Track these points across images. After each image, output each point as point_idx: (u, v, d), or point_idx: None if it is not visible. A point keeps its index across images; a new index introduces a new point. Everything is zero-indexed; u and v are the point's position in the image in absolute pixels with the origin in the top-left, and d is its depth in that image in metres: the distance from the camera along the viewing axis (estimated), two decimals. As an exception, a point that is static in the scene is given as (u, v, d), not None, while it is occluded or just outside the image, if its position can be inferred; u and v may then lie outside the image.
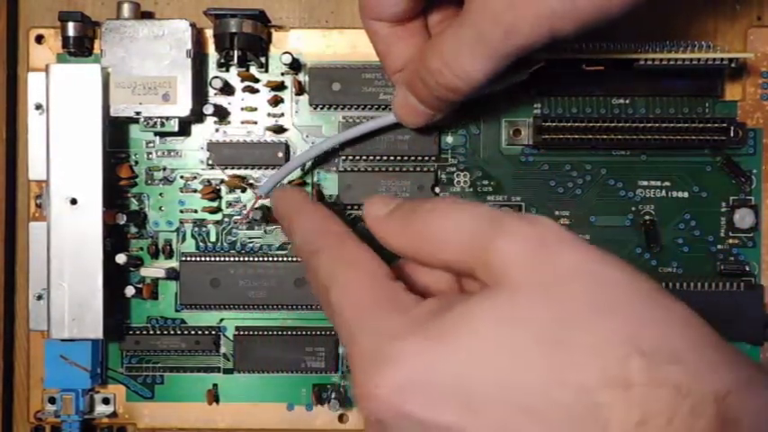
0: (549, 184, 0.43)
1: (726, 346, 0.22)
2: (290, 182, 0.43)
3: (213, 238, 0.43)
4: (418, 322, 0.23)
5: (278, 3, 0.44)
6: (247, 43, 0.41)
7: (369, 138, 0.42)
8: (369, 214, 0.28)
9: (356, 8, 0.36)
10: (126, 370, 0.44)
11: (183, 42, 0.40)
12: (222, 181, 0.43)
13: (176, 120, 0.41)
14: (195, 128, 0.43)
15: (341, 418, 0.44)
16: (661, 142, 0.41)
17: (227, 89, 0.42)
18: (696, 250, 0.43)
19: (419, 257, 0.26)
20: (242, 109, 0.43)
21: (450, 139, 0.43)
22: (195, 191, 0.43)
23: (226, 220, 0.43)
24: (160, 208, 0.43)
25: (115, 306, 0.43)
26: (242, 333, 0.43)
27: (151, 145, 0.43)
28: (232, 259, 0.42)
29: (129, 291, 0.42)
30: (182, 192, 0.43)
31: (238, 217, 0.43)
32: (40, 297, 0.41)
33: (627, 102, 0.42)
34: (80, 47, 0.42)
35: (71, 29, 0.42)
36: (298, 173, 0.43)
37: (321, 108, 0.43)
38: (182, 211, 0.43)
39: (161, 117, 0.41)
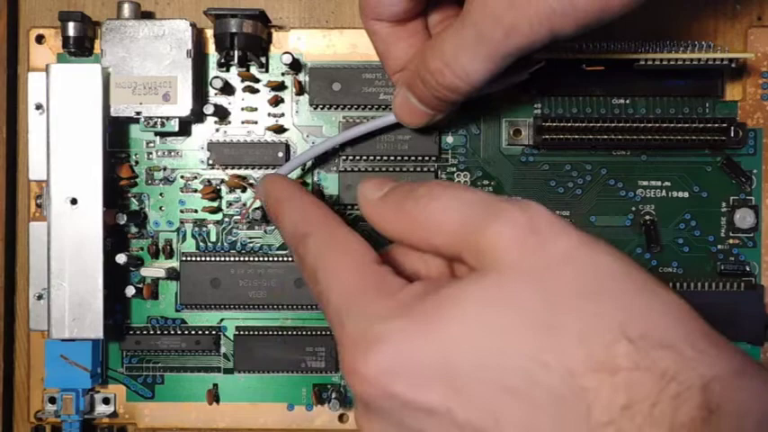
0: (549, 184, 0.43)
1: (715, 336, 0.22)
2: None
3: (213, 238, 0.43)
4: (404, 305, 0.23)
5: (278, 3, 0.44)
6: (247, 43, 0.41)
7: (369, 138, 0.42)
8: (362, 197, 0.28)
9: (356, 8, 0.36)
10: (126, 370, 0.44)
11: (183, 42, 0.40)
12: (222, 181, 0.43)
13: (176, 120, 0.41)
14: (195, 128, 0.43)
15: (341, 418, 0.44)
16: (661, 142, 0.41)
17: (227, 89, 0.42)
18: (696, 250, 0.43)
19: (410, 241, 0.26)
20: (242, 109, 0.43)
21: (450, 139, 0.43)
22: (195, 191, 0.43)
23: (226, 220, 0.43)
24: (160, 208, 0.43)
25: (115, 306, 0.43)
26: (242, 333, 0.43)
27: (151, 145, 0.43)
28: (232, 259, 0.42)
29: (130, 291, 0.42)
30: (182, 192, 0.43)
31: (238, 217, 0.43)
32: (40, 297, 0.41)
33: (627, 102, 0.42)
34: (80, 47, 0.42)
35: (71, 29, 0.42)
36: (298, 173, 0.43)
37: (321, 108, 0.43)
38: (182, 211, 0.43)
39: (161, 117, 0.41)
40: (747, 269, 0.43)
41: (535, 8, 0.29)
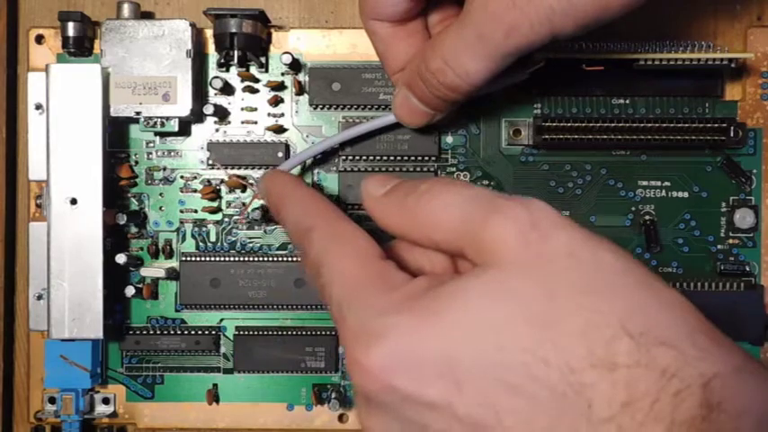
0: (549, 184, 0.43)
1: (716, 334, 0.22)
2: (290, 182, 0.43)
3: (213, 238, 0.43)
4: (407, 299, 0.23)
5: (278, 3, 0.44)
6: (247, 43, 0.41)
7: (368, 137, 0.42)
8: (366, 193, 0.28)
9: (356, 8, 0.36)
10: (126, 370, 0.44)
11: (183, 42, 0.40)
12: (222, 181, 0.43)
13: (176, 120, 0.41)
14: (195, 128, 0.43)
15: (341, 418, 0.44)
16: (661, 142, 0.41)
17: (227, 89, 0.42)
18: (696, 250, 0.43)
19: (413, 237, 0.26)
20: (242, 109, 0.43)
21: (450, 139, 0.43)
22: (195, 191, 0.43)
23: (226, 220, 0.43)
24: (160, 208, 0.43)
25: (115, 306, 0.43)
26: (242, 333, 0.43)
27: (151, 145, 0.43)
28: (232, 259, 0.42)
29: (129, 291, 0.42)
30: (182, 192, 0.43)
31: (238, 217, 0.43)
32: (40, 297, 0.41)
33: (627, 102, 0.42)
34: (80, 47, 0.42)
35: (71, 29, 0.42)
36: (297, 172, 0.43)
37: (321, 108, 0.43)
38: (182, 211, 0.43)
39: (161, 117, 0.41)
40: (747, 269, 0.43)
41: (535, 8, 0.29)
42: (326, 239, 0.27)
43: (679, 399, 0.20)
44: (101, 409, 0.43)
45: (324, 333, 0.43)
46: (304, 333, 0.43)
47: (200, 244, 0.43)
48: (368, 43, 0.37)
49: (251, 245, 0.43)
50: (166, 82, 0.40)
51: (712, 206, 0.43)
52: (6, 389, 0.44)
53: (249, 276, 0.42)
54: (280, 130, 0.43)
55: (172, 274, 0.43)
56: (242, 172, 0.43)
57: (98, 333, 0.40)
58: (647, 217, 0.43)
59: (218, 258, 0.42)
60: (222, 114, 0.43)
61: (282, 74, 0.43)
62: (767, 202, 0.43)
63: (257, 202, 0.42)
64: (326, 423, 0.44)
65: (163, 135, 0.43)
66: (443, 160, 0.43)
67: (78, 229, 0.39)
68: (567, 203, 0.43)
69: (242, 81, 0.43)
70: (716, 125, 0.41)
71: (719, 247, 0.43)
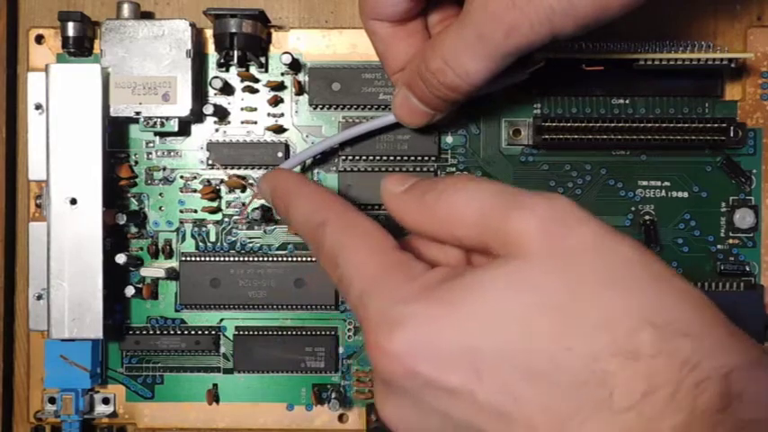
0: (549, 184, 0.43)
1: (733, 328, 0.22)
2: (289, 182, 0.43)
3: (213, 238, 0.43)
4: (429, 287, 0.24)
5: (278, 3, 0.44)
6: (247, 43, 0.41)
7: (369, 138, 0.42)
8: (386, 191, 0.28)
9: (356, 8, 0.36)
10: (126, 370, 0.44)
11: (182, 42, 0.40)
12: (222, 181, 0.43)
13: (176, 120, 0.41)
14: (195, 128, 0.43)
15: (341, 418, 0.44)
16: (661, 142, 0.41)
17: (227, 89, 0.42)
18: (696, 250, 0.43)
19: (433, 232, 0.26)
20: (242, 109, 0.43)
21: (450, 139, 0.43)
22: (195, 191, 0.43)
23: (226, 220, 0.43)
24: (160, 208, 0.43)
25: (115, 306, 0.43)
26: (242, 333, 0.43)
27: (151, 145, 0.43)
28: (232, 259, 0.42)
29: (129, 291, 0.42)
30: (182, 192, 0.43)
31: (238, 217, 0.43)
32: (40, 297, 0.41)
33: (627, 102, 0.42)
34: (80, 47, 0.42)
35: (71, 29, 0.42)
36: (297, 171, 0.43)
37: (321, 108, 0.43)
38: (182, 211, 0.43)
39: (161, 117, 0.41)
40: (747, 269, 0.43)
41: (535, 8, 0.29)
42: (341, 232, 0.27)
43: (699, 389, 0.20)
44: (101, 409, 0.43)
45: (324, 333, 0.43)
46: (304, 333, 0.43)
47: (200, 244, 0.43)
48: (368, 43, 0.37)
49: (251, 245, 0.43)
50: (166, 82, 0.40)
51: (712, 206, 0.43)
52: (6, 389, 0.44)
53: (249, 276, 0.42)
54: (280, 130, 0.43)
55: (172, 274, 0.43)
56: (242, 172, 0.43)
57: (98, 333, 0.40)
58: (646, 217, 0.43)
59: (218, 258, 0.42)
60: (222, 114, 0.43)
61: (282, 74, 0.43)
62: (767, 202, 0.43)
63: (257, 202, 0.42)
64: (326, 423, 0.44)
65: (163, 135, 0.43)
66: (443, 160, 0.43)
67: (78, 229, 0.39)
68: (566, 203, 0.43)
69: (242, 81, 0.43)
70: (716, 125, 0.41)
71: (719, 247, 0.43)
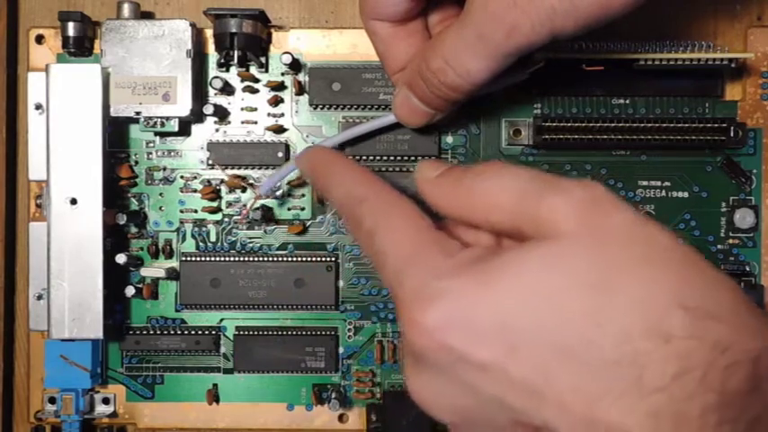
0: (549, 184, 0.43)
1: (760, 313, 0.22)
2: (289, 182, 0.43)
3: (213, 238, 0.43)
4: (465, 264, 0.24)
5: (278, 3, 0.44)
6: (247, 43, 0.41)
7: (369, 138, 0.42)
8: (420, 176, 0.29)
9: (356, 8, 0.37)
10: (126, 370, 0.44)
11: (183, 42, 0.40)
12: (222, 181, 0.43)
13: (176, 120, 0.41)
14: (195, 128, 0.43)
15: (341, 418, 0.44)
16: (661, 142, 0.41)
17: (227, 89, 0.42)
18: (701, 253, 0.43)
19: (468, 216, 0.27)
20: (242, 109, 0.43)
21: (450, 139, 0.43)
22: (195, 191, 0.43)
23: (226, 220, 0.43)
24: (160, 208, 0.43)
25: (115, 306, 0.43)
26: (242, 333, 0.43)
27: (151, 145, 0.43)
28: (232, 259, 0.42)
29: (129, 291, 0.42)
30: (182, 192, 0.43)
31: (238, 217, 0.43)
32: (40, 297, 0.41)
33: (627, 102, 0.42)
34: (80, 47, 0.42)
35: (71, 29, 0.42)
36: (297, 172, 0.43)
37: (321, 108, 0.43)
38: (182, 211, 0.43)
39: (161, 117, 0.41)
40: (747, 269, 0.43)
41: (536, 8, 0.29)
42: (380, 209, 0.28)
43: (729, 371, 0.21)
44: (101, 409, 0.43)
45: (324, 333, 0.43)
46: (304, 333, 0.43)
47: (200, 244, 0.43)
48: (368, 43, 0.37)
49: (251, 245, 0.43)
50: (166, 82, 0.40)
51: (712, 206, 0.43)
52: (6, 389, 0.44)
53: (249, 276, 0.42)
54: (280, 130, 0.43)
55: (172, 274, 0.43)
56: (242, 172, 0.43)
57: (98, 333, 0.40)
58: (647, 217, 0.43)
59: (218, 258, 0.42)
60: (222, 114, 0.43)
61: (282, 74, 0.43)
62: (767, 202, 0.43)
63: (258, 203, 0.42)
64: (326, 423, 0.44)
65: (163, 135, 0.43)
66: (443, 160, 0.43)
67: (78, 229, 0.39)
68: (567, 203, 0.43)
69: (242, 81, 0.43)
70: (716, 125, 0.41)
71: (719, 247, 0.43)
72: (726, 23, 0.43)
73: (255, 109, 0.43)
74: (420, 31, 0.36)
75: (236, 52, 0.41)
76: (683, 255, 0.23)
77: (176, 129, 0.41)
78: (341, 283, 0.43)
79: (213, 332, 0.43)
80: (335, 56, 0.43)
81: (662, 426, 0.21)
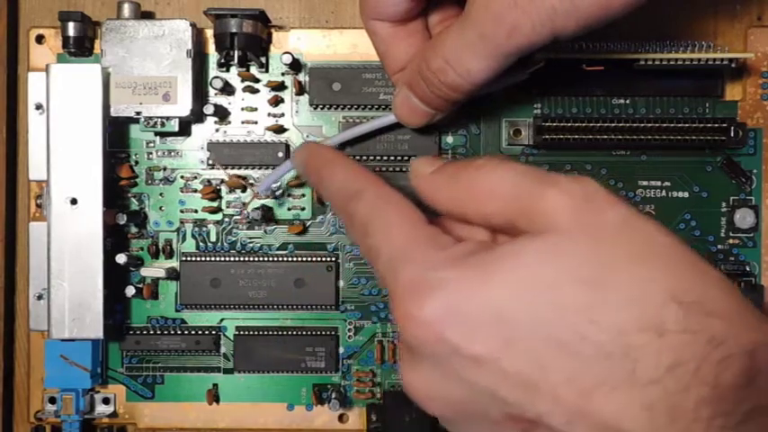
0: (549, 184, 0.43)
1: (755, 310, 0.22)
2: (289, 182, 0.43)
3: (213, 238, 0.43)
4: (459, 257, 0.24)
5: (278, 3, 0.44)
6: (247, 43, 0.41)
7: (369, 138, 0.42)
8: (416, 172, 0.29)
9: (356, 8, 0.37)
10: (126, 370, 0.44)
11: (183, 42, 0.40)
12: (222, 181, 0.43)
13: (176, 120, 0.41)
14: (195, 128, 0.43)
15: (341, 418, 0.44)
16: (661, 142, 0.41)
17: (227, 89, 0.42)
18: (696, 250, 0.43)
19: (463, 211, 0.27)
20: (242, 109, 0.43)
21: (450, 139, 0.43)
22: (195, 191, 0.43)
23: (226, 220, 0.43)
24: (160, 208, 0.43)
25: (115, 306, 0.43)
26: (242, 333, 0.43)
27: (151, 145, 0.43)
28: (232, 259, 0.42)
29: (130, 291, 0.42)
30: (182, 192, 0.43)
31: (238, 217, 0.43)
32: (40, 297, 0.41)
33: (627, 102, 0.42)
34: (80, 47, 0.42)
35: (71, 29, 0.42)
36: (295, 173, 0.43)
37: (321, 108, 0.43)
38: (182, 211, 0.43)
39: (161, 117, 0.41)
40: (747, 269, 0.43)
41: (537, 8, 0.29)
42: (375, 202, 0.28)
43: (723, 366, 0.21)
44: (101, 409, 0.43)
45: (324, 333, 0.43)
46: (304, 333, 0.43)
47: (201, 244, 0.43)
48: (368, 43, 0.37)
49: (251, 245, 0.43)
50: (166, 82, 0.40)
51: (712, 206, 0.43)
52: (6, 389, 0.44)
53: (249, 276, 0.42)
54: (280, 130, 0.43)
55: (172, 274, 0.43)
56: (242, 172, 0.43)
57: (98, 333, 0.40)
58: (647, 217, 0.43)
59: (218, 258, 0.42)
60: (222, 114, 0.43)
61: (283, 74, 0.43)
62: (767, 202, 0.43)
63: (257, 202, 0.42)
64: (326, 423, 0.44)
65: (163, 135, 0.43)
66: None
67: (78, 229, 0.39)
68: (567, 203, 0.43)
69: (242, 81, 0.43)
70: (716, 125, 0.41)
71: (719, 247, 0.43)
72: (726, 23, 0.43)
73: (256, 109, 0.43)
74: (420, 31, 0.36)
75: (236, 52, 0.41)
76: (677, 250, 0.23)
77: (176, 129, 0.41)
78: (341, 283, 0.43)
79: (213, 332, 0.43)
80: (336, 56, 0.43)
81: (656, 418, 0.21)
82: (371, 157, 0.42)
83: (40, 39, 0.43)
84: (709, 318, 0.21)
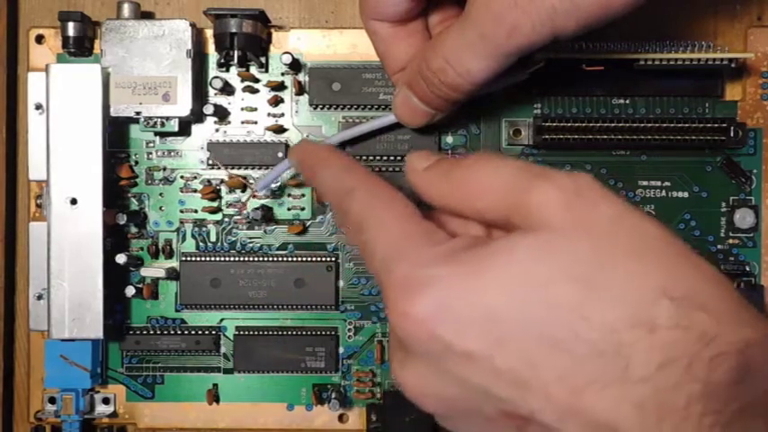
0: (549, 184, 0.43)
1: (748, 306, 0.22)
2: (288, 182, 0.43)
3: (213, 238, 0.43)
4: (452, 253, 0.24)
5: (278, 3, 0.44)
6: (247, 43, 0.41)
7: (369, 138, 0.42)
8: (410, 167, 0.29)
9: (356, 8, 0.37)
10: (126, 370, 0.44)
11: (183, 42, 0.40)
12: (222, 181, 0.43)
13: (176, 120, 0.41)
14: (195, 128, 0.43)
15: (341, 419, 0.44)
16: (661, 142, 0.41)
17: (227, 89, 0.42)
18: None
19: (458, 206, 0.27)
20: (242, 109, 0.43)
21: (450, 139, 0.43)
22: (195, 191, 0.43)
23: (226, 220, 0.43)
24: (160, 208, 0.43)
25: (115, 306, 0.43)
26: (242, 333, 0.43)
27: (151, 145, 0.43)
28: (232, 259, 0.42)
29: (130, 291, 0.42)
30: (182, 192, 0.43)
31: (238, 217, 0.43)
32: (40, 297, 0.41)
33: (627, 102, 0.42)
34: (80, 47, 0.42)
35: (71, 29, 0.42)
36: (293, 170, 0.43)
37: (321, 108, 0.43)
38: (182, 211, 0.43)
39: (161, 117, 0.41)
40: (747, 269, 0.43)
41: (537, 8, 0.29)
42: (367, 199, 0.28)
43: (715, 362, 0.21)
44: (101, 409, 0.43)
45: (324, 333, 0.43)
46: (304, 333, 0.43)
47: (201, 244, 0.43)
48: (368, 43, 0.37)
49: (251, 245, 0.43)
50: (166, 82, 0.40)
51: (712, 206, 0.43)
52: (6, 389, 0.44)
53: (249, 276, 0.42)
54: (280, 130, 0.43)
55: (172, 274, 0.43)
56: (242, 172, 0.43)
57: (98, 333, 0.40)
58: (647, 217, 0.43)
59: (218, 258, 0.42)
60: (222, 114, 0.43)
61: (282, 74, 0.43)
62: (767, 202, 0.43)
63: (257, 202, 0.42)
64: (326, 423, 0.44)
65: (163, 135, 0.43)
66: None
67: (78, 229, 0.39)
68: (567, 203, 0.43)
69: (242, 81, 0.43)
70: (716, 125, 0.41)
71: (719, 247, 0.43)
72: (726, 23, 0.43)
73: (255, 109, 0.43)
74: (420, 32, 0.36)
75: (236, 52, 0.41)
76: (670, 244, 0.23)
77: (176, 129, 0.41)
78: (341, 283, 0.43)
79: (213, 332, 0.43)
80: (335, 56, 0.43)
81: (646, 415, 0.21)
82: (371, 157, 0.42)
83: (39, 39, 0.43)
84: (700, 312, 0.21)
